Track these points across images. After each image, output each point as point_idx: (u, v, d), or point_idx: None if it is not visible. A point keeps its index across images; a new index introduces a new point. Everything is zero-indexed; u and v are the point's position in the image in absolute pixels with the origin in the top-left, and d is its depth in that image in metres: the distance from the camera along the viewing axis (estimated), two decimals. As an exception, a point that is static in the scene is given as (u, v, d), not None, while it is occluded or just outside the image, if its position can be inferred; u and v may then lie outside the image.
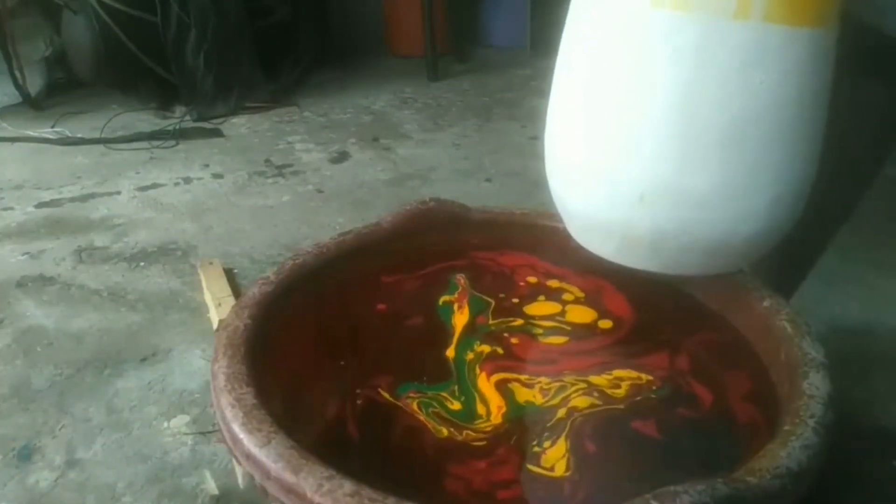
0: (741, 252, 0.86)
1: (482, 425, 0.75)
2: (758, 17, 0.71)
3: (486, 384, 0.80)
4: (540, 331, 0.89)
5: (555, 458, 0.72)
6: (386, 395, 0.79)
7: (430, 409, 0.77)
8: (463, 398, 0.79)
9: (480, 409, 0.77)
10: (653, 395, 0.79)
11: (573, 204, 0.91)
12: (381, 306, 0.93)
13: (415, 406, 0.78)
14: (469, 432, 0.74)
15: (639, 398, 0.79)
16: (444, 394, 0.79)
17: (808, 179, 0.85)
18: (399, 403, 0.78)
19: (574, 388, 0.80)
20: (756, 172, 0.79)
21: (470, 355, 0.85)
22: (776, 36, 0.72)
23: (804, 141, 0.81)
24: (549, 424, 0.75)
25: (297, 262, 0.90)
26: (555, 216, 0.97)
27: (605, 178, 0.83)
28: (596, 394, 0.79)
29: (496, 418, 0.76)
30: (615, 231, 0.85)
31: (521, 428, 0.76)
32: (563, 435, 0.74)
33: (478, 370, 0.82)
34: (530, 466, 0.71)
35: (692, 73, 0.74)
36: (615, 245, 0.87)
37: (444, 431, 0.74)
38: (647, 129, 0.78)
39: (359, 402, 0.78)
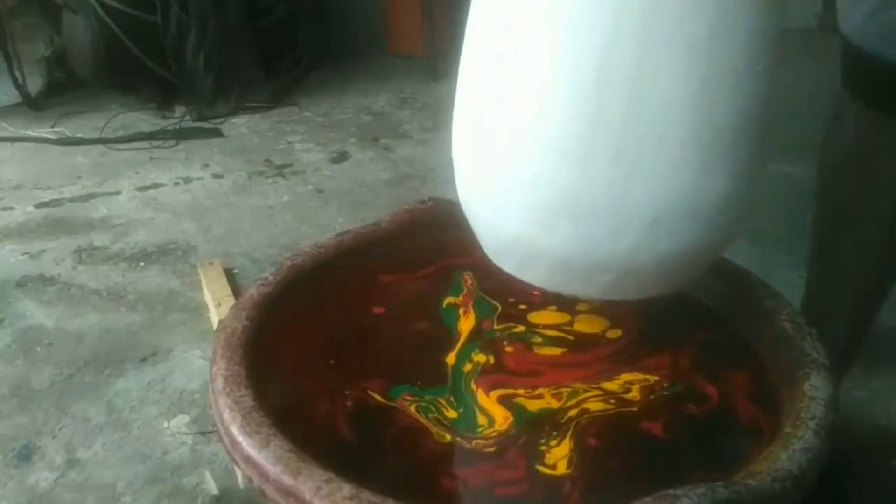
0: (705, 264, 0.79)
1: (486, 432, 0.75)
2: None
3: (485, 399, 0.79)
4: (539, 339, 0.88)
5: (558, 456, 0.72)
6: (379, 397, 0.78)
7: (430, 415, 0.77)
8: (461, 409, 0.78)
9: (481, 420, 0.77)
10: (665, 393, 0.79)
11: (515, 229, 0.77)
12: (380, 308, 0.93)
13: (413, 409, 0.77)
14: (473, 440, 0.74)
15: (652, 397, 0.79)
16: (441, 400, 0.79)
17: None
18: (395, 405, 0.78)
19: (585, 395, 0.80)
20: (756, 172, 0.74)
21: (468, 366, 0.84)
22: (773, 13, 0.68)
23: (770, 122, 0.74)
24: (554, 426, 0.75)
25: (295, 262, 0.90)
26: None
27: (609, 211, 0.70)
28: (613, 400, 0.79)
29: (501, 426, 0.76)
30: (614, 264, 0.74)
31: (526, 432, 0.75)
32: (568, 435, 0.74)
33: (474, 385, 0.81)
34: (536, 466, 0.70)
35: (709, 64, 0.65)
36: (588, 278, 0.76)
37: (447, 437, 0.74)
38: (660, 144, 0.67)
39: (350, 403, 0.78)
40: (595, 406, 0.78)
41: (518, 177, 0.72)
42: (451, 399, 0.79)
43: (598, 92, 0.65)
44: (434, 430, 0.75)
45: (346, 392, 0.79)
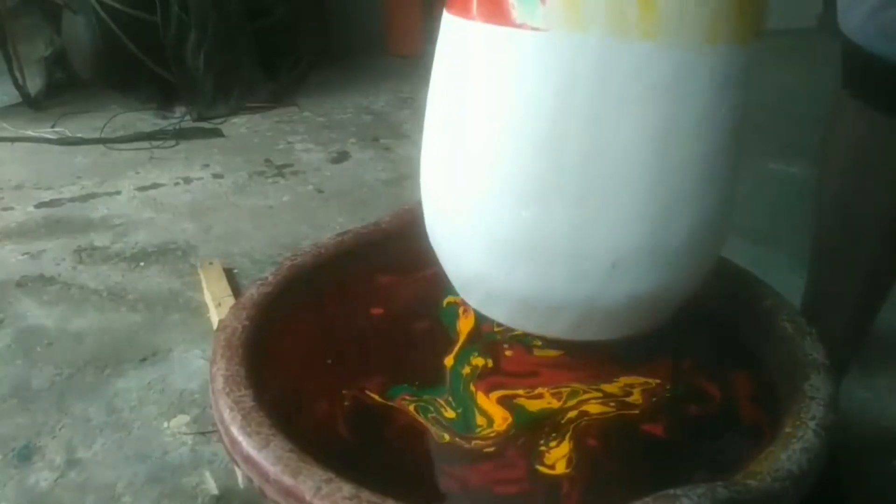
0: (674, 306, 0.77)
1: (485, 433, 0.75)
2: (725, 39, 0.63)
3: (485, 400, 0.79)
4: (538, 342, 0.88)
5: (558, 456, 0.72)
6: (377, 397, 0.78)
7: (429, 415, 0.77)
8: (460, 410, 0.78)
9: (480, 420, 0.77)
10: (667, 395, 0.79)
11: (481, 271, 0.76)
12: (379, 309, 0.93)
13: (412, 409, 0.77)
14: (472, 440, 0.74)
15: (654, 399, 0.78)
16: (440, 400, 0.79)
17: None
18: (394, 405, 0.78)
19: (584, 396, 0.80)
20: (725, 212, 0.72)
21: (466, 370, 0.84)
22: (740, 56, 0.66)
23: (737, 161, 0.73)
24: (554, 427, 0.75)
25: (295, 262, 0.90)
26: None
27: (568, 254, 0.69)
28: (613, 403, 0.79)
29: (500, 427, 0.76)
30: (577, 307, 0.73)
31: (525, 433, 0.75)
32: (568, 436, 0.74)
33: (473, 387, 0.81)
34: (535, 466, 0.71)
35: (669, 110, 0.63)
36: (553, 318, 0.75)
37: (446, 437, 0.74)
38: (619, 189, 0.66)
39: (348, 402, 0.78)
40: (595, 409, 0.78)
41: (479, 216, 0.71)
42: (450, 399, 0.79)
43: (553, 138, 0.64)
44: (433, 429, 0.75)
45: (344, 392, 0.79)
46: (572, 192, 0.65)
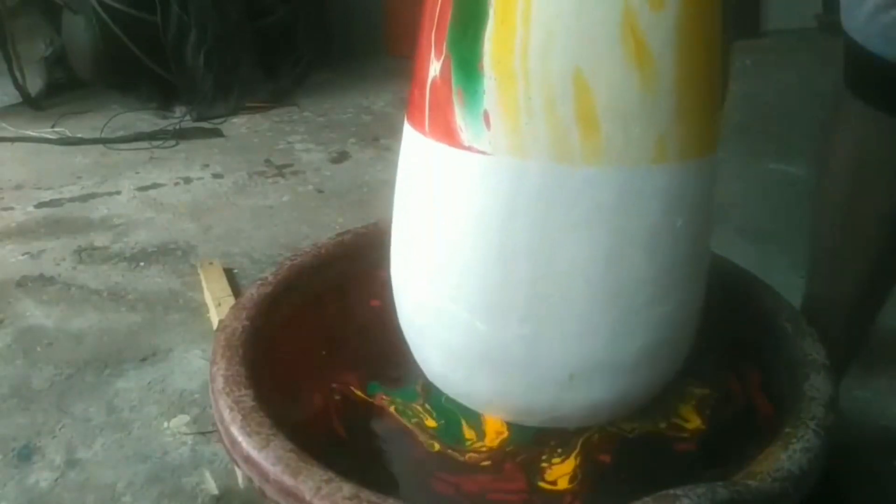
0: (642, 402, 0.77)
1: (476, 446, 0.74)
2: (674, 157, 0.62)
3: (473, 412, 0.78)
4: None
5: (560, 473, 0.71)
6: (359, 392, 0.78)
7: (413, 420, 0.76)
8: (442, 421, 0.77)
9: (468, 433, 0.76)
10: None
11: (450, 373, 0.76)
12: (377, 301, 0.91)
13: (393, 411, 0.77)
14: (466, 452, 0.73)
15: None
16: (416, 406, 0.78)
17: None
18: (375, 402, 0.77)
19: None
20: (690, 313, 0.71)
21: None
22: (691, 171, 0.65)
23: (700, 270, 0.72)
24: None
25: (295, 262, 0.90)
26: None
27: (524, 365, 0.69)
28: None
29: (493, 442, 0.75)
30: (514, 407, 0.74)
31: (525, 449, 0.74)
32: (576, 452, 0.73)
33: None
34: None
35: (616, 230, 0.63)
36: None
37: (436, 445, 0.73)
38: (570, 305, 0.65)
39: (339, 397, 0.77)
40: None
41: (437, 323, 0.71)
42: (427, 407, 0.78)
43: (502, 255, 0.64)
44: (421, 437, 0.74)
45: (334, 385, 0.78)
46: (524, 307, 0.66)
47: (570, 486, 0.69)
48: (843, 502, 1.15)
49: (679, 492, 0.54)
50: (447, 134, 0.64)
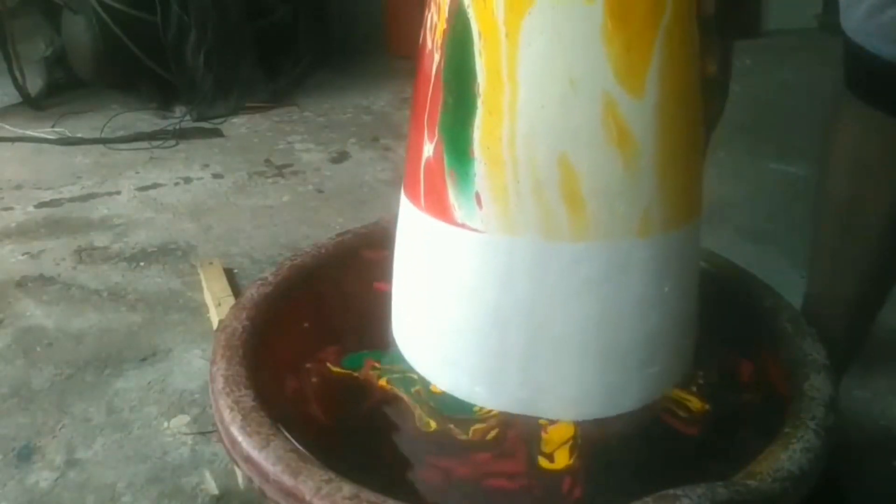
0: None
1: (483, 413, 0.74)
2: (659, 229, 0.65)
3: None
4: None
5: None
6: (336, 368, 0.77)
7: (412, 389, 0.75)
8: None
9: None
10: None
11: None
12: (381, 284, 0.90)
13: (384, 383, 0.76)
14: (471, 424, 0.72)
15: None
16: (415, 375, 0.76)
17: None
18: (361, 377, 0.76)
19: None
20: (682, 367, 0.74)
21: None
22: (676, 240, 0.67)
23: (694, 323, 0.75)
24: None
25: (295, 262, 0.90)
26: None
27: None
28: None
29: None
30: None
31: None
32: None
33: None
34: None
35: (606, 300, 0.66)
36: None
37: (433, 424, 0.72)
38: (564, 371, 0.68)
39: (314, 379, 0.77)
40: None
41: (438, 382, 0.73)
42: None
43: (496, 325, 0.67)
44: (417, 413, 0.73)
45: (308, 365, 0.78)
46: (520, 373, 0.68)
47: (570, 461, 0.68)
48: (843, 502, 1.15)
49: (679, 492, 0.54)
50: (442, 211, 0.67)
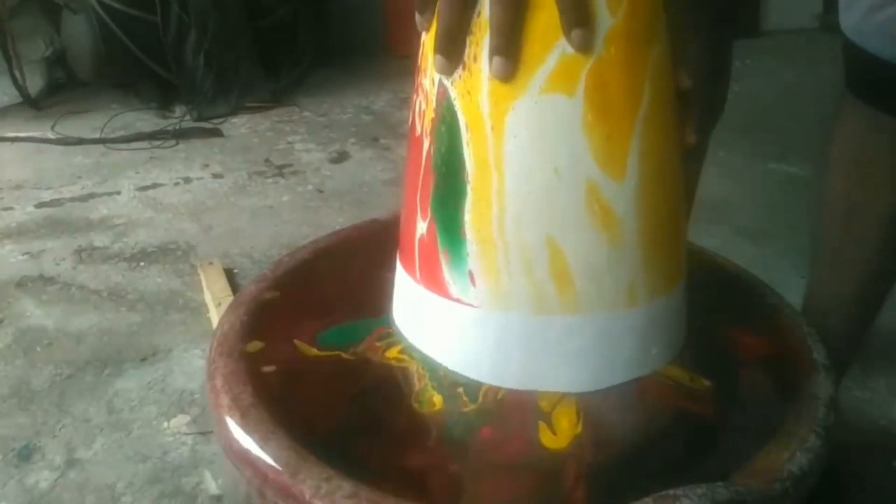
0: None
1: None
2: (645, 300, 0.67)
3: None
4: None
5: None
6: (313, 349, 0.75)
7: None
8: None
9: None
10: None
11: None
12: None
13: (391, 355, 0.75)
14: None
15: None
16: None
17: None
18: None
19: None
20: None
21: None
22: (662, 307, 0.69)
23: None
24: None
25: (293, 258, 0.90)
26: None
27: None
28: None
29: None
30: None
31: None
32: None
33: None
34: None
35: (597, 366, 0.67)
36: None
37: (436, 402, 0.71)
38: None
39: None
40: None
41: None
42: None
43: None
44: (420, 384, 0.71)
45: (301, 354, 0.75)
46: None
47: (576, 430, 0.68)
48: (843, 502, 1.15)
49: (679, 492, 0.54)
50: (437, 285, 0.68)
